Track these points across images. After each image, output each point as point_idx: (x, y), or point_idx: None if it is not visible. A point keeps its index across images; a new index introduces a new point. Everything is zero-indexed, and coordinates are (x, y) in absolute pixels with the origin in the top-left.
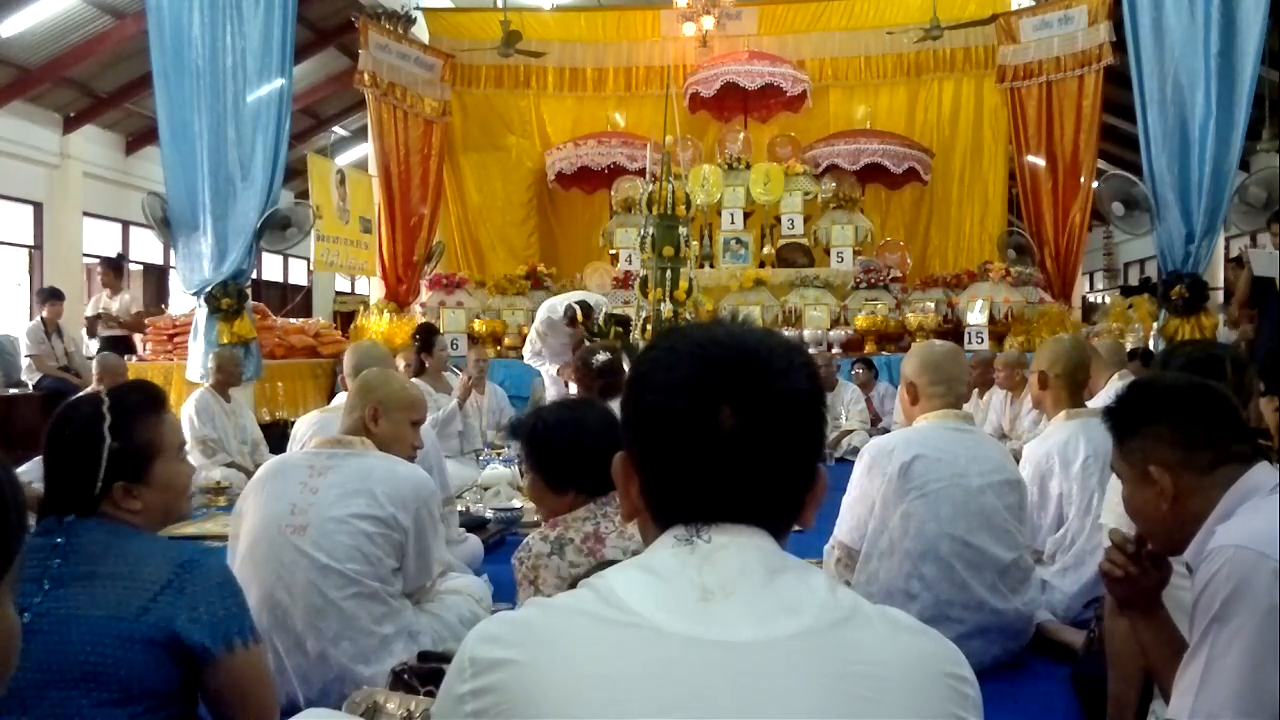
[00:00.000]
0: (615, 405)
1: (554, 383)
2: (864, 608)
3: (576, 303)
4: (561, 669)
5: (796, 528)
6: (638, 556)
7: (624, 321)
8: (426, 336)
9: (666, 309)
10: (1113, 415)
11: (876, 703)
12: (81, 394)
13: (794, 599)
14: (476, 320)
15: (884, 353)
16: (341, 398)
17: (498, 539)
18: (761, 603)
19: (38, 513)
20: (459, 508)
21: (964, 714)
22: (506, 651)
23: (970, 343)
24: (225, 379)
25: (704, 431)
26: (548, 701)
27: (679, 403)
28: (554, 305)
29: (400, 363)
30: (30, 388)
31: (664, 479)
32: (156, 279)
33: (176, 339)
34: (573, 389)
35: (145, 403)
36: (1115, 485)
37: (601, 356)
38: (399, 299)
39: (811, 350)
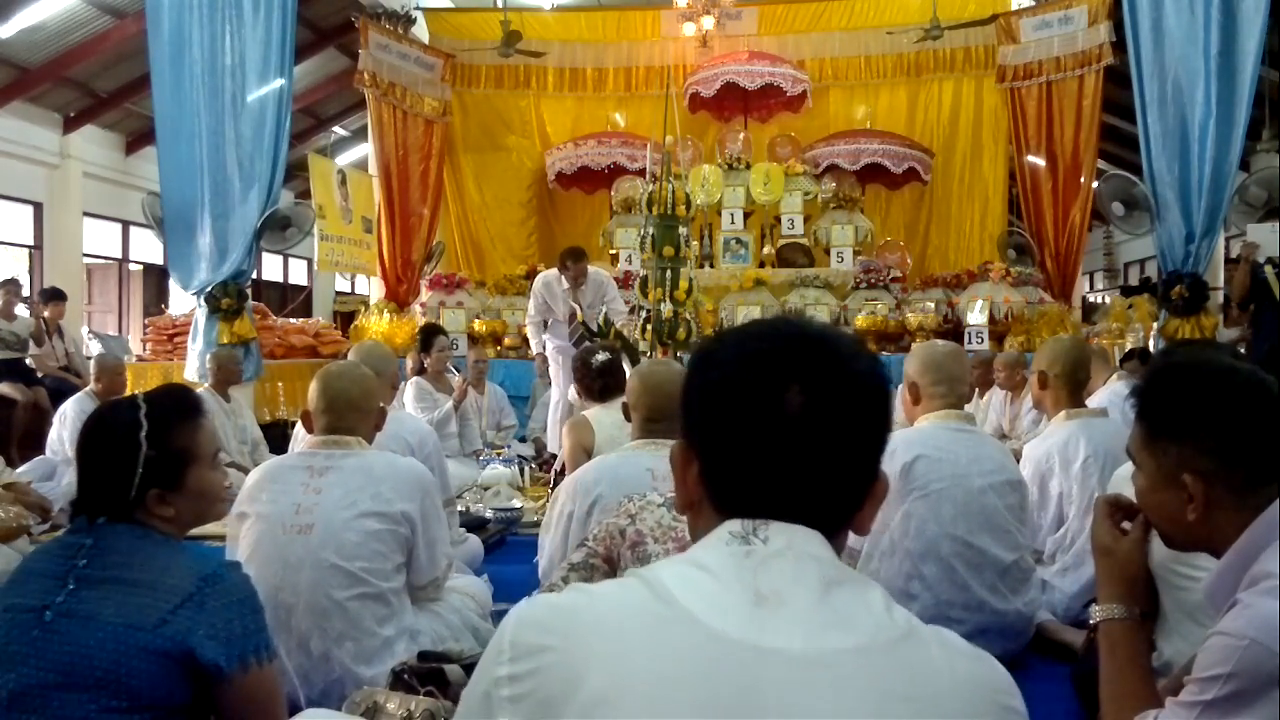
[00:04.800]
0: (615, 406)
1: (555, 360)
2: (919, 629)
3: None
4: (607, 661)
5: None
6: (688, 551)
7: None
8: (426, 337)
9: (666, 309)
10: (1146, 401)
11: None
12: (118, 398)
13: (849, 614)
14: (476, 320)
15: (884, 353)
16: None
17: (498, 539)
18: (816, 614)
19: (70, 513)
20: (459, 508)
21: None
22: (549, 638)
23: (970, 343)
24: (225, 378)
25: (769, 411)
26: (588, 692)
27: (746, 376)
28: (546, 274)
29: (408, 362)
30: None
31: (724, 462)
32: (156, 279)
33: (176, 339)
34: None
35: (182, 410)
36: (1116, 485)
37: (601, 356)
38: (399, 299)
39: None
